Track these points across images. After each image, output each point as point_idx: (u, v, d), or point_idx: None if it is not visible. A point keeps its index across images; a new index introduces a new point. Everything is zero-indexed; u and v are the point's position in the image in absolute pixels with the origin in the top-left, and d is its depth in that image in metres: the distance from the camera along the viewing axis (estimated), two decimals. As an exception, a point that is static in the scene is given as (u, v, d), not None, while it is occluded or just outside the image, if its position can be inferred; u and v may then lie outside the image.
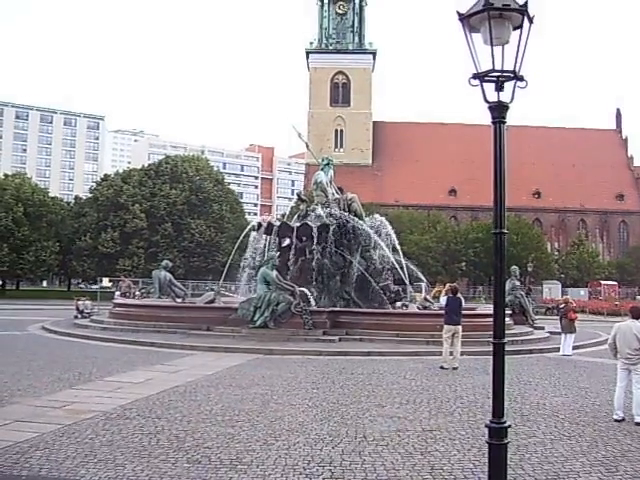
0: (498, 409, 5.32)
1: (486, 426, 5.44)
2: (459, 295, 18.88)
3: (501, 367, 5.29)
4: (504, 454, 5.29)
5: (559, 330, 27.83)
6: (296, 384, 13.99)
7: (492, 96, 5.48)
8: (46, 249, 71.93)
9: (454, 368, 16.88)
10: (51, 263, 73.95)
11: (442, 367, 17.00)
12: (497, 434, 5.29)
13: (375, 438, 9.26)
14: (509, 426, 5.42)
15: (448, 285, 23.82)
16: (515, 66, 5.37)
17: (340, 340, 22.56)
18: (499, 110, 5.50)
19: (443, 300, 20.09)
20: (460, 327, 17.76)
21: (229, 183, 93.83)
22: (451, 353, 17.42)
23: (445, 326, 17.81)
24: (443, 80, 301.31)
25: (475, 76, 5.43)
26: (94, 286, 76.16)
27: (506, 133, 5.72)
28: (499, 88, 5.45)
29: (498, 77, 5.41)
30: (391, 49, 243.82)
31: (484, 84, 5.45)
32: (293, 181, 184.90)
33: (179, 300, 31.01)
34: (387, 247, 28.99)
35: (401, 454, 8.44)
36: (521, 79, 5.42)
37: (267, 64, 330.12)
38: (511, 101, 5.49)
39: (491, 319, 5.73)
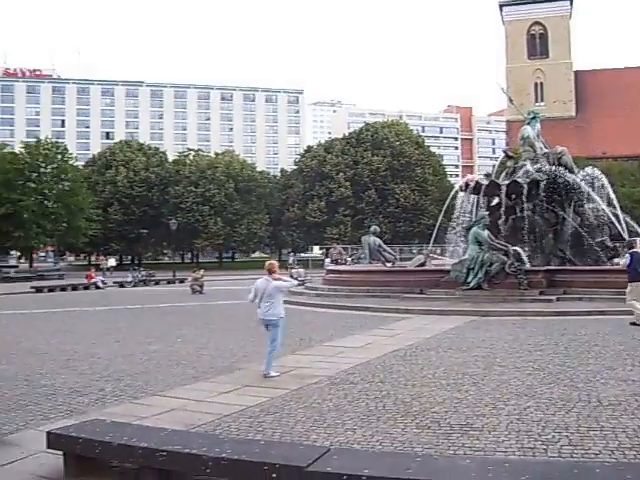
0: None
1: None
2: None
3: None
4: None
5: None
6: (517, 346, 13.49)
7: None
8: (257, 221, 75.17)
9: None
10: (262, 235, 77.14)
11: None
12: None
13: (611, 403, 8.63)
14: None
15: None
16: None
17: (558, 300, 21.63)
18: None
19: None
20: None
21: (429, 146, 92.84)
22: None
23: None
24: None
25: None
26: (304, 254, 78.31)
27: None
28: None
29: None
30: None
31: None
32: (493, 139, 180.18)
33: (389, 264, 31.10)
34: (602, 201, 27.42)
35: (643, 420, 7.78)
36: None
37: (458, 23, 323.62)
38: None
39: None
